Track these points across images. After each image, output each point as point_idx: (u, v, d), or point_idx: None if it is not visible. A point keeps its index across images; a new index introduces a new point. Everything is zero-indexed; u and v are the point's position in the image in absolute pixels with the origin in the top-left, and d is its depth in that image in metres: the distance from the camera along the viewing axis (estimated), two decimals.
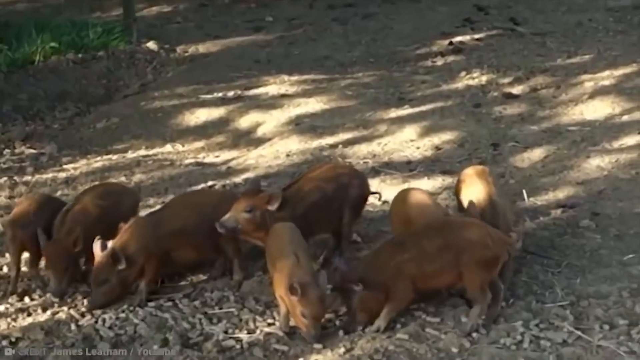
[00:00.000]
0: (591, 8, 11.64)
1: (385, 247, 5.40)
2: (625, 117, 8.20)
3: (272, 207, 5.63)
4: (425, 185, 6.97)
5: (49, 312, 5.55)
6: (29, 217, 5.94)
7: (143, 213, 6.73)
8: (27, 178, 7.99)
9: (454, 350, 4.96)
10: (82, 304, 5.64)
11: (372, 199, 6.71)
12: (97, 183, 7.30)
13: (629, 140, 7.70)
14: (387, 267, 5.19)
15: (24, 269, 5.98)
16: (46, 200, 6.30)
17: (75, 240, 5.71)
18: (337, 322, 5.30)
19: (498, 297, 5.26)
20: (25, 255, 5.96)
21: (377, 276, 5.18)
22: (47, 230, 5.84)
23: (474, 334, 5.08)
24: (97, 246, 5.61)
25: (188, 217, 5.79)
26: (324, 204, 5.88)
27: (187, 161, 8.28)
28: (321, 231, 6.00)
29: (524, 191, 6.91)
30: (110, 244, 5.64)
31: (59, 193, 7.50)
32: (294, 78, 10.06)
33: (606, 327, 5.10)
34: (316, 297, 4.98)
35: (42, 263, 5.94)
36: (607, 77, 9.17)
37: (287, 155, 8.06)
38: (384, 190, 6.96)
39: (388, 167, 7.59)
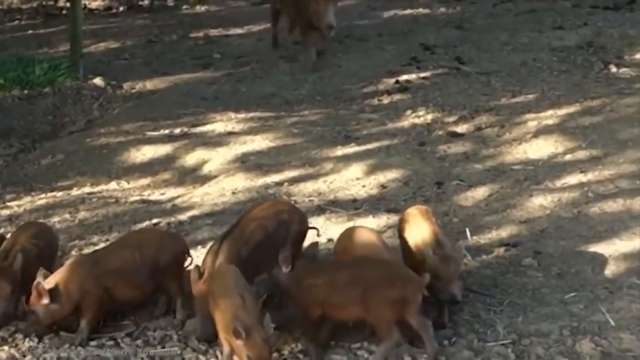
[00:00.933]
0: (536, 48, 11.74)
1: (305, 267, 5.56)
2: (568, 157, 8.27)
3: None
4: (371, 224, 6.97)
5: None
6: None
7: (87, 251, 6.73)
8: None
9: None
10: (23, 343, 5.59)
11: (313, 235, 6.72)
12: (26, 222, 7.24)
13: (572, 179, 7.77)
14: (299, 285, 5.38)
15: None
16: None
17: (18, 268, 5.75)
18: None
19: (428, 335, 5.23)
20: None
21: (292, 289, 5.42)
22: None
23: None
24: (40, 276, 5.60)
25: (128, 256, 5.78)
26: (268, 242, 5.88)
27: (132, 198, 8.23)
28: (265, 269, 5.98)
29: (467, 230, 6.95)
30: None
31: (1, 230, 7.43)
32: (241, 115, 10.06)
33: None
34: (261, 339, 4.93)
35: None
36: (550, 116, 9.25)
37: (233, 193, 8.04)
38: (329, 229, 6.98)
39: (334, 205, 7.60)
